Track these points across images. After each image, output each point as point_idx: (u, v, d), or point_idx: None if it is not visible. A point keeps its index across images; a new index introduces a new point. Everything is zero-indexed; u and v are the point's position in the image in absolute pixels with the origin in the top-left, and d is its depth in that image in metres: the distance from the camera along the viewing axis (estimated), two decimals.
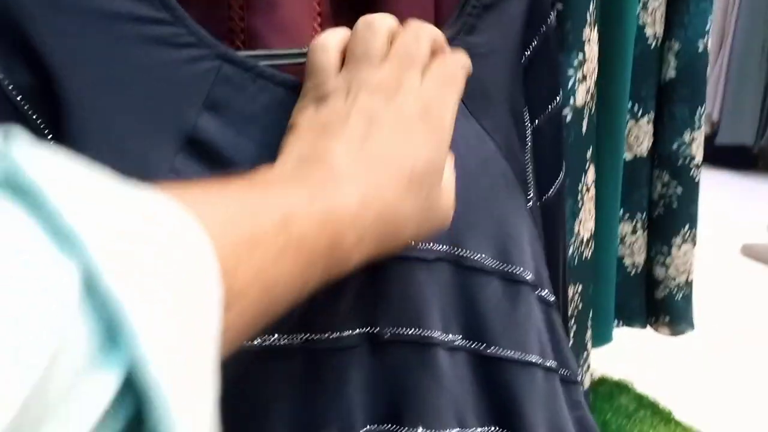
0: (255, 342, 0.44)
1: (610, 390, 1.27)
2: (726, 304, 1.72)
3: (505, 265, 0.54)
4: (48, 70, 0.41)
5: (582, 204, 0.80)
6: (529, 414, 0.53)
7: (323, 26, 0.53)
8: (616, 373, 1.33)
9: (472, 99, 0.56)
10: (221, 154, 0.44)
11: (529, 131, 0.63)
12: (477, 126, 0.56)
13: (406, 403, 0.48)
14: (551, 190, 0.69)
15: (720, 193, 2.68)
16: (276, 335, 0.45)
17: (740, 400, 1.29)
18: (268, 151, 0.45)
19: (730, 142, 2.86)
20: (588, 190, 0.81)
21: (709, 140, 2.99)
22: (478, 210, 0.54)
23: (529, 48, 0.63)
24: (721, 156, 3.02)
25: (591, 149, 0.80)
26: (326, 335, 0.46)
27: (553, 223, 0.70)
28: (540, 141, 0.65)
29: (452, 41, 0.54)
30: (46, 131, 0.42)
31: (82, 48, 0.42)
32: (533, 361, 0.55)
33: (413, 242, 0.46)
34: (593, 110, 0.79)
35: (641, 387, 1.30)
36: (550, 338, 0.58)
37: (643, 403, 1.26)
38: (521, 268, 0.55)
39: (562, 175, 0.69)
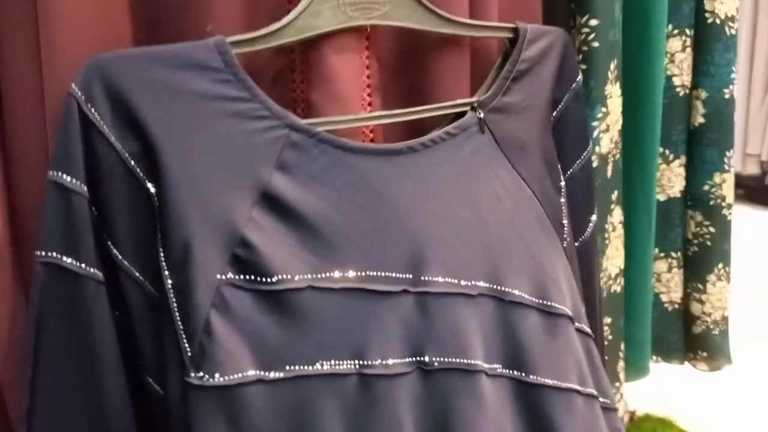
0: (315, 366, 0.51)
1: (653, 426, 1.29)
2: None
3: (543, 299, 0.61)
4: (152, 139, 0.51)
5: (609, 242, 0.86)
6: None
7: (372, 96, 0.62)
8: (660, 410, 1.35)
9: (511, 152, 0.64)
10: (289, 205, 0.53)
11: (562, 179, 0.70)
12: (516, 175, 0.64)
13: (452, 426, 0.54)
14: (587, 230, 0.75)
15: None
16: (333, 361, 0.52)
17: None
18: (328, 203, 0.54)
19: None
20: (614, 229, 0.87)
21: (759, 180, 2.98)
22: (517, 250, 0.61)
23: (560, 104, 0.71)
24: None
25: (617, 192, 0.86)
26: (379, 362, 0.53)
27: (589, 261, 0.76)
28: (574, 188, 0.72)
29: (490, 102, 0.63)
30: (150, 186, 0.52)
31: (179, 121, 0.52)
32: (572, 387, 0.60)
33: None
34: (618, 157, 0.86)
35: (685, 423, 1.32)
36: (589, 367, 0.64)
37: None
38: (559, 303, 0.61)
39: (594, 217, 0.76)
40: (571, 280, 0.65)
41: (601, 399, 0.64)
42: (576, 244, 0.73)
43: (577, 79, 0.72)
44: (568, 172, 0.72)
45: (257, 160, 0.53)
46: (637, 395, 1.36)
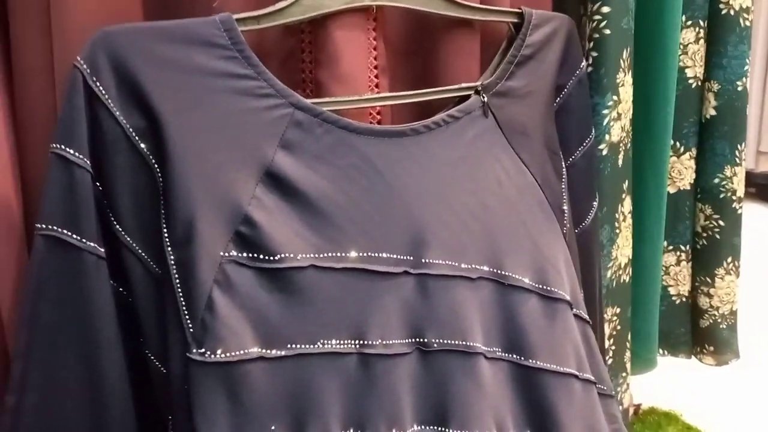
0: (316, 345, 0.51)
1: (658, 420, 1.28)
2: None
3: (543, 284, 0.61)
4: (156, 113, 0.51)
5: (619, 231, 0.85)
6: (565, 422, 0.58)
7: (379, 77, 0.62)
8: (665, 404, 1.34)
9: (513, 136, 0.64)
10: (293, 184, 0.53)
11: (563, 165, 0.70)
12: (517, 159, 0.64)
13: (450, 407, 0.55)
14: (587, 218, 0.75)
15: None
16: (334, 340, 0.52)
17: None
18: (331, 183, 0.54)
19: None
20: (625, 218, 0.86)
21: (765, 177, 2.94)
22: (517, 235, 0.61)
23: (563, 91, 0.70)
24: None
25: (627, 181, 0.86)
26: (378, 342, 0.53)
27: (590, 249, 0.76)
28: (576, 175, 0.72)
29: (494, 86, 0.63)
30: (154, 162, 0.52)
31: (184, 96, 0.52)
32: (570, 372, 0.60)
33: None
34: (629, 146, 0.85)
35: (691, 418, 1.31)
36: (587, 353, 0.64)
37: None
38: (558, 288, 0.61)
39: (596, 204, 0.76)
40: (570, 266, 0.65)
41: (598, 385, 0.64)
42: (576, 230, 0.73)
43: (581, 66, 0.72)
44: (570, 159, 0.72)
45: (261, 138, 0.53)
46: (643, 388, 1.36)
